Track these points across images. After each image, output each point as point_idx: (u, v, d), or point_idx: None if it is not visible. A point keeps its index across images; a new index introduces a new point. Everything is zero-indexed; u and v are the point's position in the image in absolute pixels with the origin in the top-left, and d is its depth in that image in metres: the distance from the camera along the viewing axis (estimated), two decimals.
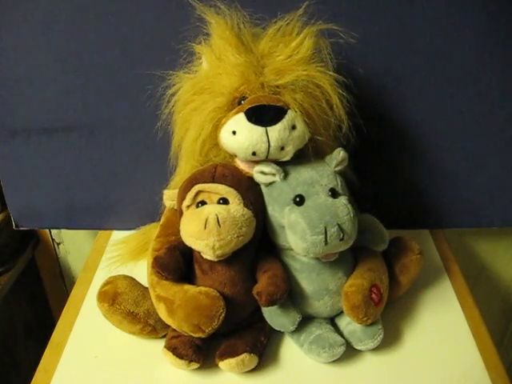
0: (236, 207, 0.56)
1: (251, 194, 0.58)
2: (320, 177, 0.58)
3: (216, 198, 0.57)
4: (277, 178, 0.59)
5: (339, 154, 0.59)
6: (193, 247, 0.57)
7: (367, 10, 0.69)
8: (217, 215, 0.54)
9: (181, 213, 0.59)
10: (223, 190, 0.57)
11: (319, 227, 0.54)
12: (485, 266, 1.01)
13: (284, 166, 0.59)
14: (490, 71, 0.72)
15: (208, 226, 0.54)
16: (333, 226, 0.54)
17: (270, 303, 0.56)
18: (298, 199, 0.57)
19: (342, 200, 0.57)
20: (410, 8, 0.69)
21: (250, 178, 0.60)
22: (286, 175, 0.59)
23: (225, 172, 0.58)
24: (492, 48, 0.71)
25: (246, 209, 0.56)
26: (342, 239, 0.55)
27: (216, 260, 0.57)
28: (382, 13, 0.69)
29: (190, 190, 0.58)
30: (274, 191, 0.59)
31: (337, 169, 0.60)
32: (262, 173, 0.58)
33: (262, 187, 0.60)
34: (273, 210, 0.59)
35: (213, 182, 0.57)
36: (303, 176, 0.58)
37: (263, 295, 0.56)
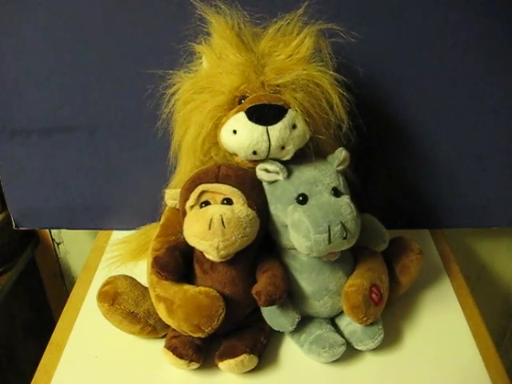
0: (240, 208, 0.56)
1: (255, 194, 0.58)
2: (323, 176, 0.58)
3: (220, 198, 0.57)
4: (280, 177, 0.59)
5: (341, 154, 0.60)
6: (196, 247, 0.57)
7: (367, 10, 0.69)
8: (221, 216, 0.54)
9: (184, 213, 0.59)
10: (227, 190, 0.57)
11: (323, 226, 0.54)
12: (485, 266, 1.01)
13: (287, 165, 0.59)
14: (490, 71, 0.72)
15: (212, 226, 0.54)
16: (336, 225, 0.55)
17: (269, 303, 0.56)
18: (301, 198, 0.57)
19: (345, 199, 0.57)
20: (410, 8, 0.69)
21: (254, 178, 0.60)
22: (288, 174, 0.59)
23: (228, 172, 0.58)
24: (492, 48, 0.71)
25: (250, 209, 0.56)
26: (345, 238, 0.55)
27: (219, 261, 0.57)
28: (382, 13, 0.69)
29: (193, 190, 0.58)
30: (276, 190, 0.59)
31: (339, 168, 0.60)
32: (266, 170, 0.59)
33: (265, 185, 0.60)
34: (275, 209, 0.59)
35: (217, 182, 0.57)
36: (306, 175, 0.58)
37: (262, 295, 0.56)
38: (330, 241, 0.55)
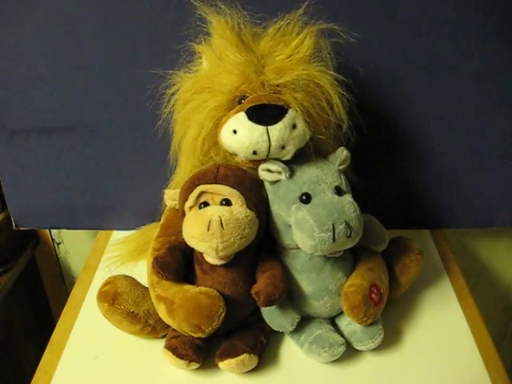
0: (239, 208, 0.56)
1: (254, 194, 0.58)
2: (325, 175, 0.59)
3: (219, 199, 0.57)
4: (283, 177, 0.59)
5: (342, 153, 0.60)
6: (195, 248, 0.57)
7: (367, 10, 0.69)
8: (220, 217, 0.54)
9: (183, 213, 0.59)
10: (226, 191, 0.57)
11: (327, 224, 0.54)
12: (485, 266, 1.01)
13: (289, 165, 0.59)
14: (491, 70, 0.72)
15: (211, 227, 0.54)
16: (340, 224, 0.55)
17: (269, 303, 0.56)
18: (304, 197, 0.57)
19: (348, 198, 0.57)
20: (410, 8, 0.69)
21: (253, 179, 0.59)
22: (291, 174, 0.59)
23: (227, 173, 0.58)
24: (492, 48, 0.71)
25: (248, 210, 0.56)
26: (349, 236, 0.55)
27: (219, 262, 0.57)
28: (382, 13, 0.69)
29: (192, 191, 0.58)
30: (279, 190, 0.59)
31: (340, 167, 0.60)
32: (268, 171, 0.59)
33: (267, 185, 0.60)
34: (278, 209, 0.59)
35: (215, 182, 0.57)
36: (308, 174, 0.58)
37: (261, 295, 0.56)
38: (334, 239, 0.55)
